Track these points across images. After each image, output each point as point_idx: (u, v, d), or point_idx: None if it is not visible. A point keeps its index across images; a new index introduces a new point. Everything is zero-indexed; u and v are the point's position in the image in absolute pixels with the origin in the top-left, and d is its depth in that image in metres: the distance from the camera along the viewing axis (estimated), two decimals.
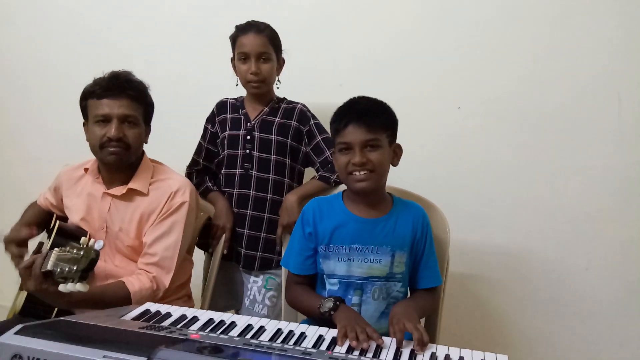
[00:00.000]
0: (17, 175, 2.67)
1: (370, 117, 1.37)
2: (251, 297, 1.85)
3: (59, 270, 1.15)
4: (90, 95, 1.56)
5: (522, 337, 2.05)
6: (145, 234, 1.58)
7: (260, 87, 1.81)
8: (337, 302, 1.32)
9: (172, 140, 2.05)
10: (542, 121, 1.98)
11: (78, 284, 1.16)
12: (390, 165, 1.45)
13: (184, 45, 2.34)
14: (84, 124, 1.62)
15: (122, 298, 1.45)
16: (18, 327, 1.11)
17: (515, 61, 1.98)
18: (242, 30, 1.81)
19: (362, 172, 1.37)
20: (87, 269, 1.16)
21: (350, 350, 1.15)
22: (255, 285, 1.85)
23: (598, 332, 2.00)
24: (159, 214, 1.58)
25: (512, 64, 1.98)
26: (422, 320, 1.49)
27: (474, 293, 2.09)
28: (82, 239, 1.19)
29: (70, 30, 2.50)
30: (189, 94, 2.33)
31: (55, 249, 1.19)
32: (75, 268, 1.14)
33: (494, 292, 2.08)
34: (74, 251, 1.16)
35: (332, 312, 1.30)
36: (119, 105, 1.54)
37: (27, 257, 1.58)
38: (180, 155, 1.94)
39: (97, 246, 1.19)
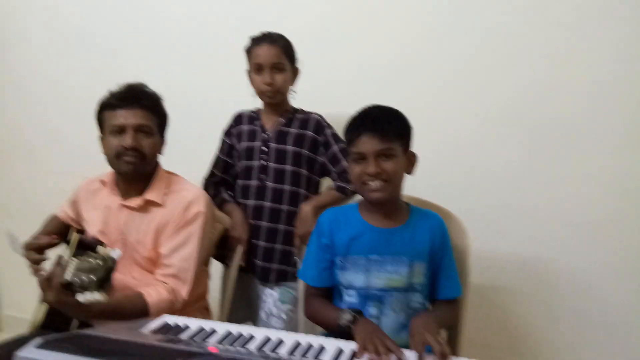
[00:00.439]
0: (35, 189, 2.72)
1: (384, 126, 1.36)
2: (267, 310, 1.84)
3: (77, 280, 1.16)
4: (106, 107, 1.59)
5: (547, 348, 2.01)
6: (162, 245, 1.59)
7: (275, 97, 1.82)
8: (356, 315, 1.31)
9: (189, 153, 2.06)
10: (560, 126, 1.94)
11: (96, 293, 1.17)
12: (405, 174, 1.43)
13: (200, 60, 2.36)
14: (101, 137, 1.64)
15: (140, 310, 1.45)
16: (38, 340, 1.12)
17: (530, 66, 1.95)
18: (256, 41, 1.82)
19: (376, 182, 1.36)
20: (104, 278, 1.16)
21: None
22: (270, 298, 1.84)
23: (625, 343, 1.94)
24: (175, 224, 1.59)
25: (526, 70, 1.96)
26: (443, 332, 1.46)
27: (496, 304, 2.05)
28: (100, 249, 1.20)
29: (84, 48, 2.55)
30: (206, 107, 2.35)
31: (73, 259, 1.20)
32: (93, 278, 1.15)
33: (517, 303, 2.04)
34: (92, 261, 1.16)
35: (351, 325, 1.29)
36: (133, 115, 1.56)
37: (46, 268, 1.60)
38: (196, 167, 1.95)
39: (115, 255, 1.20)
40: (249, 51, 1.84)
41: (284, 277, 1.84)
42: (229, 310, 1.82)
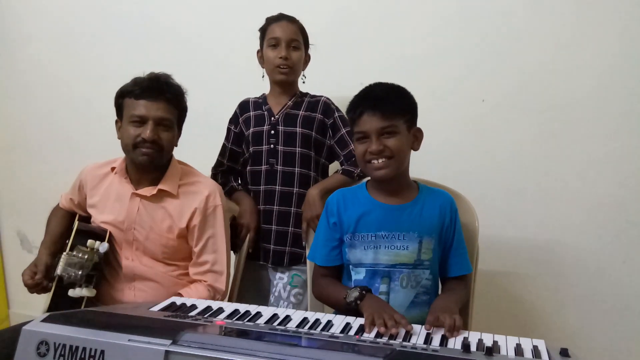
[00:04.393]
0: (42, 187, 2.70)
1: (385, 103, 1.35)
2: (276, 293, 1.82)
3: (66, 275, 1.15)
4: (128, 94, 1.56)
5: (557, 333, 1.97)
6: (193, 245, 1.60)
7: (288, 75, 1.80)
8: (364, 292, 1.29)
9: (196, 144, 2.05)
10: (570, 111, 1.92)
11: (84, 289, 1.16)
12: (413, 152, 1.41)
13: (204, 53, 2.37)
14: (116, 122, 1.63)
15: None
16: (44, 315, 1.12)
17: (538, 50, 1.94)
18: (275, 19, 1.82)
19: (380, 160, 1.35)
20: (92, 273, 1.15)
21: (379, 335, 1.12)
22: (280, 282, 1.83)
23: (636, 327, 1.91)
24: (198, 221, 1.59)
25: (535, 54, 1.94)
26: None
27: (506, 290, 2.02)
28: (89, 242, 1.18)
29: (88, 49, 2.59)
30: (211, 98, 2.35)
31: (64, 253, 1.18)
32: (80, 273, 1.14)
33: (527, 288, 2.01)
34: (80, 255, 1.15)
35: (358, 302, 1.27)
36: (156, 108, 1.54)
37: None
38: (203, 158, 1.94)
39: (102, 249, 1.19)
40: (265, 29, 1.83)
41: (297, 259, 1.83)
42: (237, 297, 1.80)
